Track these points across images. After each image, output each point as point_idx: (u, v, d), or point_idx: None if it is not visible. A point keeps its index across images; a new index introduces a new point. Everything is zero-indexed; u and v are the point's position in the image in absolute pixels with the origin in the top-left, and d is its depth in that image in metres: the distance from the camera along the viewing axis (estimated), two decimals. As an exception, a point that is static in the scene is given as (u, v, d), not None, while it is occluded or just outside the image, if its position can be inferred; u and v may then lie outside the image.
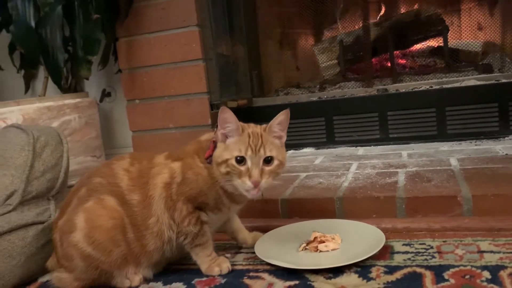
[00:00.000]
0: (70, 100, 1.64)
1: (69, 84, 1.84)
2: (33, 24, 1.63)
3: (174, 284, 0.86)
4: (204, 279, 0.87)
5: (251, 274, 0.87)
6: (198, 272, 0.89)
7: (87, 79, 1.78)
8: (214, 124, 1.72)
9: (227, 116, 0.83)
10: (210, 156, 0.86)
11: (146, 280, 0.89)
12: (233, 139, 0.84)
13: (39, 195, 1.02)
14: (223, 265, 0.89)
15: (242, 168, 0.82)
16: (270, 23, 2.04)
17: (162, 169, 0.89)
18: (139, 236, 0.87)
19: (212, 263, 0.89)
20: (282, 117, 0.87)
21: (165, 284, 0.87)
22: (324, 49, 1.93)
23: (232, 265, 0.91)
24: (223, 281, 0.85)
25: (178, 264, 0.93)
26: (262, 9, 2.00)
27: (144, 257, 0.88)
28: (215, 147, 0.86)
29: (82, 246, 0.84)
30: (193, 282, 0.86)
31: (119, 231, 0.85)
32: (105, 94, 2.01)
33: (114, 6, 1.68)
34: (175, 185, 0.87)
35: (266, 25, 2.02)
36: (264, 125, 0.87)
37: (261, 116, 1.80)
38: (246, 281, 0.84)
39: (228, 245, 1.02)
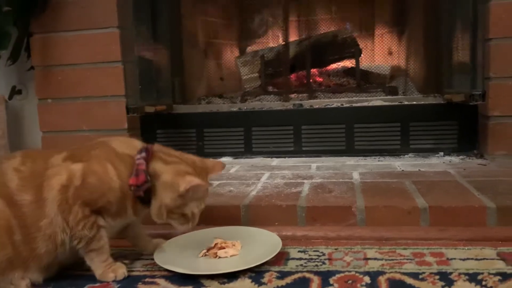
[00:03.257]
0: (-28, 95, 1.53)
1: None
2: None
3: (64, 290, 0.83)
4: (97, 285, 0.85)
5: (146, 280, 0.86)
6: (92, 278, 0.87)
7: (-6, 73, 1.67)
8: (130, 128, 1.69)
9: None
10: (136, 185, 0.84)
11: (35, 286, 0.85)
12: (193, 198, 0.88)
13: None
14: (119, 270, 0.87)
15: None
16: (194, 32, 2.06)
17: (59, 170, 0.85)
18: (29, 239, 0.82)
19: (107, 269, 0.87)
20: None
21: (54, 289, 0.84)
22: (246, 62, 1.98)
23: (129, 271, 0.90)
24: (116, 286, 0.84)
25: (71, 270, 0.90)
26: (187, 17, 2.02)
27: (33, 261, 0.83)
28: (140, 175, 0.84)
29: None
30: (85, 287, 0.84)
31: (4, 232, 0.81)
32: (15, 92, 1.90)
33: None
34: (72, 188, 0.83)
35: (190, 33, 2.03)
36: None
37: (181, 123, 1.80)
38: (140, 286, 0.83)
39: (128, 251, 1.01)
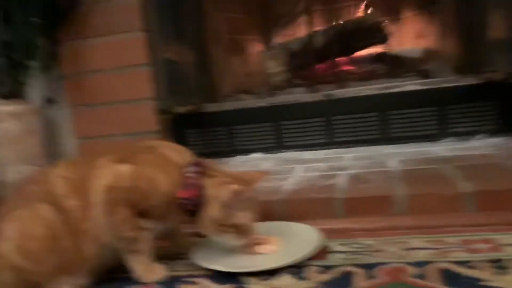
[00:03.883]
0: (8, 107, 1.57)
1: (9, 90, 1.76)
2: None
3: (106, 293, 0.84)
4: (138, 286, 0.85)
5: (187, 279, 0.85)
6: (133, 280, 0.87)
7: (26, 84, 1.71)
8: (161, 130, 1.70)
9: None
10: (185, 198, 0.85)
11: (78, 289, 0.86)
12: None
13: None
14: (159, 272, 0.87)
15: None
16: (218, 29, 2.04)
17: (105, 171, 0.86)
18: (76, 243, 0.83)
19: (148, 270, 0.87)
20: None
21: (97, 293, 0.84)
22: (272, 55, 1.95)
23: (169, 271, 0.89)
24: (157, 287, 0.83)
25: (112, 273, 0.90)
26: (211, 14, 2.00)
27: (80, 265, 0.85)
28: (190, 189, 0.85)
29: (12, 257, 0.80)
30: (126, 289, 0.84)
31: (53, 239, 0.82)
32: (47, 101, 1.94)
33: (55, 10, 1.63)
34: (119, 189, 0.84)
35: (214, 30, 2.02)
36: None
37: (210, 121, 1.80)
38: (181, 286, 0.82)
39: (167, 251, 1.00)
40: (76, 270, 0.85)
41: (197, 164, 0.88)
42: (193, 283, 0.84)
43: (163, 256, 0.97)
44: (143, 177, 0.86)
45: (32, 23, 1.52)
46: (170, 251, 0.99)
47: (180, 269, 0.91)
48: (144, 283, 0.86)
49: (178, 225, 0.98)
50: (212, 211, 0.85)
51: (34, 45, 1.55)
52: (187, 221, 0.90)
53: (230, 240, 0.88)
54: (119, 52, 1.68)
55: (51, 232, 0.82)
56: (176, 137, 1.78)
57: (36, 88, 1.90)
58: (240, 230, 0.87)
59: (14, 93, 1.80)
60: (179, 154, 0.91)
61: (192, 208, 0.86)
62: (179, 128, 1.79)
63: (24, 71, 1.55)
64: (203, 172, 0.87)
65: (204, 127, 1.80)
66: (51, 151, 1.92)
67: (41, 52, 1.63)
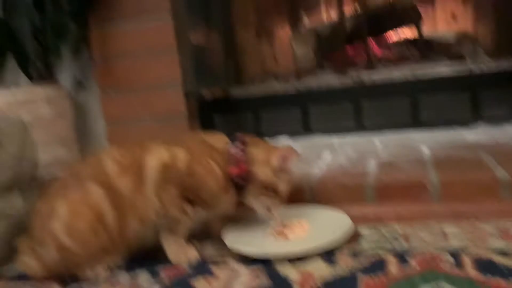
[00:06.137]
0: (40, 91, 1.60)
1: (40, 74, 1.79)
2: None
3: (138, 272, 0.85)
4: (170, 266, 0.86)
5: (217, 261, 0.86)
6: (164, 260, 0.88)
7: (57, 68, 1.74)
8: (189, 115, 1.71)
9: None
10: (238, 175, 0.89)
11: (111, 268, 0.87)
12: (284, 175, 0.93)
13: (2, 186, 0.99)
14: (191, 253, 0.89)
15: None
16: (246, 12, 2.02)
17: (160, 151, 0.88)
18: (121, 223, 0.85)
19: (180, 251, 0.88)
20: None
21: (128, 271, 0.86)
22: (300, 38, 1.93)
23: (200, 252, 0.90)
24: (188, 269, 0.85)
25: (145, 253, 0.92)
26: (238, -2, 1.99)
27: (121, 245, 0.87)
28: (241, 164, 0.89)
29: (61, 237, 0.83)
30: (158, 269, 0.85)
31: (101, 221, 0.84)
32: (78, 85, 1.97)
33: (85, -6, 1.64)
34: (175, 170, 0.86)
35: (242, 14, 2.00)
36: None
37: (237, 106, 1.79)
38: (212, 268, 0.83)
39: (198, 233, 1.01)
40: (116, 250, 0.87)
41: (238, 139, 0.92)
42: (225, 264, 0.84)
43: (195, 235, 0.99)
44: (199, 163, 0.88)
45: (63, 7, 1.53)
46: (202, 231, 1.00)
47: (211, 250, 0.92)
48: (175, 264, 0.87)
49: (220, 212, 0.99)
50: (261, 175, 0.90)
51: (65, 29, 1.57)
52: (238, 202, 0.94)
53: (268, 205, 0.93)
54: (148, 36, 1.69)
55: (99, 213, 0.84)
56: (203, 122, 1.78)
57: (66, 72, 1.94)
58: (279, 195, 0.92)
59: (46, 77, 1.84)
60: (218, 140, 0.95)
61: (243, 183, 0.90)
62: (207, 113, 1.80)
63: (55, 55, 1.57)
64: (246, 146, 0.92)
65: (231, 112, 1.80)
66: (82, 135, 1.96)
67: (71, 36, 1.65)
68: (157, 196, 0.85)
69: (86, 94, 2.01)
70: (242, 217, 1.02)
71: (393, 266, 0.76)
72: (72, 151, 1.71)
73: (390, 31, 1.85)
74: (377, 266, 0.77)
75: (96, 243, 0.84)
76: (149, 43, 1.69)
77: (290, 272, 0.78)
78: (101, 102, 1.77)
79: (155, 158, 0.87)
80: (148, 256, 0.91)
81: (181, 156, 0.88)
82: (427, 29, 1.84)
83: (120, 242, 0.86)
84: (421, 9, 1.84)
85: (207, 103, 1.78)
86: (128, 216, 0.85)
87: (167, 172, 0.86)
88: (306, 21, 2.04)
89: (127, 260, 0.90)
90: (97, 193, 0.85)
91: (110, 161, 0.88)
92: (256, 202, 0.93)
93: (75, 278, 0.86)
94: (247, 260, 0.85)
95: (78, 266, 0.85)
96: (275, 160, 0.90)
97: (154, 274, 0.84)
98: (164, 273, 0.84)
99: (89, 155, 0.96)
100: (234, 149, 0.91)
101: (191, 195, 0.87)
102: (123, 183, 0.86)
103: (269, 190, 0.92)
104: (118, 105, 1.77)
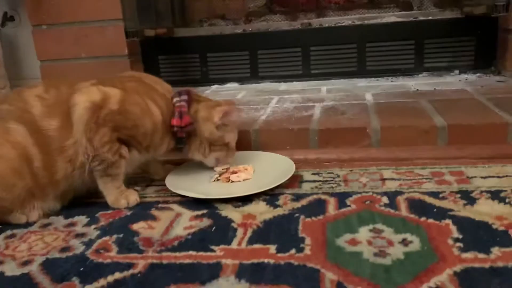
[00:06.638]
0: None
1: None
2: None
3: (76, 218, 0.82)
4: (109, 211, 0.84)
5: (159, 205, 0.85)
6: (103, 205, 0.86)
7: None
8: (131, 54, 1.62)
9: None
10: (179, 126, 0.87)
11: (47, 214, 0.84)
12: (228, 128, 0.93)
13: None
14: (131, 197, 0.86)
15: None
16: None
17: (90, 90, 0.83)
18: (49, 164, 0.80)
19: (120, 195, 0.86)
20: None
21: (66, 217, 0.83)
22: (250, -22, 1.84)
23: (142, 197, 0.89)
24: (129, 213, 0.83)
25: (83, 198, 0.89)
26: None
27: (51, 188, 0.82)
28: (184, 117, 0.88)
29: None
30: (97, 215, 0.82)
31: (23, 162, 0.78)
32: (7, 18, 1.79)
33: None
34: (106, 110, 0.81)
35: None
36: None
37: (183, 47, 1.72)
38: (154, 212, 0.82)
39: (139, 177, 0.99)
40: (47, 194, 0.82)
41: (185, 93, 0.91)
42: (166, 208, 0.83)
43: (136, 181, 0.96)
44: (135, 102, 0.84)
45: None
46: (142, 177, 0.98)
47: (152, 195, 0.90)
48: (116, 209, 0.85)
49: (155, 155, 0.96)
50: (205, 132, 0.90)
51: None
52: (172, 150, 0.92)
53: (218, 159, 0.94)
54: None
55: (22, 153, 0.79)
56: (147, 62, 1.70)
57: (-7, 4, 1.76)
58: (229, 148, 0.94)
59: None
60: (164, 87, 0.93)
61: (183, 135, 0.89)
62: (150, 53, 1.71)
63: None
64: (191, 100, 0.91)
65: (176, 53, 1.73)
66: (15, 74, 1.81)
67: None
68: (86, 137, 0.80)
69: (16, 29, 1.84)
70: (186, 161, 1.01)
71: (331, 207, 0.78)
72: (3, 90, 1.59)
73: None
74: (316, 206, 0.78)
75: (21, 186, 0.79)
76: (86, -26, 1.55)
77: (232, 214, 0.78)
78: (33, 38, 1.63)
79: (85, 97, 0.81)
80: (88, 201, 0.88)
81: (114, 95, 0.83)
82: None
83: (50, 185, 0.82)
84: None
85: (151, 42, 1.69)
86: (57, 158, 0.81)
87: (97, 112, 0.80)
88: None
89: (65, 205, 0.86)
90: (20, 133, 0.79)
91: (35, 99, 0.82)
92: (206, 157, 0.93)
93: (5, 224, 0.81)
94: (190, 203, 0.84)
95: (5, 211, 0.80)
96: (216, 117, 0.90)
97: (92, 218, 0.81)
98: (103, 218, 0.81)
99: (13, 92, 0.88)
100: (179, 101, 0.89)
101: (124, 136, 0.83)
102: (50, 123, 0.80)
103: (218, 144, 0.92)
104: (53, 41, 1.64)
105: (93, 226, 0.78)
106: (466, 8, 1.49)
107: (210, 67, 1.73)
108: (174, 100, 0.90)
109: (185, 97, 0.90)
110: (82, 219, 0.82)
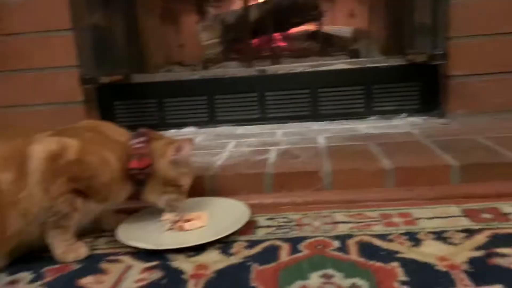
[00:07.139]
0: None
1: None
2: None
3: (20, 274, 0.78)
4: (56, 266, 0.81)
5: (110, 258, 0.82)
6: (50, 260, 0.82)
7: None
8: (86, 101, 1.61)
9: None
10: (138, 168, 0.87)
11: (-8, 271, 0.79)
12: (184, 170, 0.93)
13: None
14: (80, 250, 0.83)
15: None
16: (150, -4, 1.95)
17: (47, 140, 0.82)
18: (1, 220, 0.77)
19: (68, 248, 0.83)
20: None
21: (10, 274, 0.79)
22: (207, 27, 1.91)
23: (92, 249, 0.86)
24: (77, 267, 0.80)
25: (31, 252, 0.85)
26: (142, -20, 1.90)
27: (2, 244, 0.79)
28: (144, 158, 0.88)
29: None
30: (42, 270, 0.79)
31: None
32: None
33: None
34: (64, 161, 0.80)
35: (146, -1, 1.92)
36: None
37: (140, 93, 1.73)
38: (103, 265, 0.80)
39: (89, 228, 0.96)
40: None
41: (142, 134, 0.91)
42: (116, 261, 0.81)
43: (85, 233, 0.93)
44: (92, 152, 0.83)
45: None
46: (93, 228, 0.95)
47: (102, 247, 0.88)
48: (64, 263, 0.82)
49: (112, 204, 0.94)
50: (162, 169, 0.90)
51: None
52: (131, 197, 0.91)
53: (171, 202, 0.92)
54: (39, 14, 1.55)
55: None
56: (103, 109, 1.69)
57: None
58: (181, 190, 0.93)
59: None
60: (119, 133, 0.93)
61: (143, 177, 0.88)
62: (106, 99, 1.71)
63: None
64: (149, 140, 0.91)
65: (133, 98, 1.73)
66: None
67: None
68: (43, 189, 0.79)
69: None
70: (139, 210, 0.99)
71: (284, 253, 0.79)
72: None
73: (294, 24, 1.91)
74: (269, 253, 0.79)
75: None
76: (41, 22, 1.56)
77: (183, 265, 0.77)
78: (-15, 85, 1.60)
79: (42, 147, 0.80)
80: (34, 257, 0.84)
81: (72, 146, 0.82)
82: (328, 25, 1.93)
83: (1, 241, 0.78)
84: (323, 6, 1.92)
85: (107, 89, 1.69)
86: (8, 212, 0.78)
87: (55, 162, 0.79)
88: (213, 9, 2.02)
89: (9, 262, 0.82)
90: None
91: None
92: (158, 199, 0.92)
93: None
94: (142, 255, 0.82)
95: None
96: (170, 153, 0.90)
97: (38, 275, 0.78)
98: (49, 273, 0.78)
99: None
100: (137, 143, 0.89)
101: (82, 187, 0.82)
102: (4, 177, 0.78)
103: (171, 185, 0.91)
104: (6, 87, 1.61)
105: (38, 283, 0.75)
106: (409, 56, 1.59)
107: (167, 112, 1.74)
108: (132, 142, 0.89)
109: (142, 138, 0.90)
110: (26, 275, 0.78)
